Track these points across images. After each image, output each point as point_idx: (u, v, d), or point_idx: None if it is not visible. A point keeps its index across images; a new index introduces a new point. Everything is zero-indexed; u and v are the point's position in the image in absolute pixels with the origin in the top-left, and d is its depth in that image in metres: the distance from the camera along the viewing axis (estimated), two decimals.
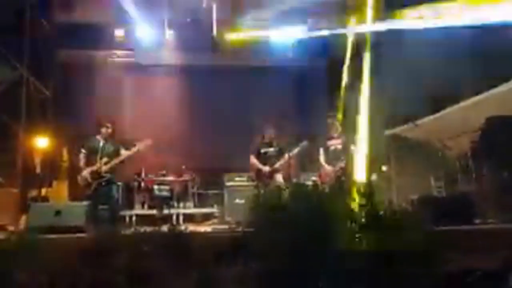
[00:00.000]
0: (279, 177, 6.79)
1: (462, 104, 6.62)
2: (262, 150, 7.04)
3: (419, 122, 6.90)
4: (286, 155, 6.82)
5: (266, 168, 6.86)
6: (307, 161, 7.58)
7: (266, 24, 9.14)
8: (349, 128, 7.55)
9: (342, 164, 6.62)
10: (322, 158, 6.91)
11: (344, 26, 8.91)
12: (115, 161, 6.19)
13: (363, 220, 2.71)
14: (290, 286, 2.63)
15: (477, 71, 6.67)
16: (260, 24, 9.15)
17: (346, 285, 2.52)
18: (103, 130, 6.33)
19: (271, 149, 7.01)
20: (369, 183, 6.87)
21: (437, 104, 7.08)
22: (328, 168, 6.75)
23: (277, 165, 6.81)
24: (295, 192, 3.05)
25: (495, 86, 5.94)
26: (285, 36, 9.48)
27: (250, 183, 7.80)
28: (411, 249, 2.62)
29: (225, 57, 9.83)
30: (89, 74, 9.31)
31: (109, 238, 3.20)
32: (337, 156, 6.69)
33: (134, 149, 6.30)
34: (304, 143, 6.85)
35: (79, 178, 6.17)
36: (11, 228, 5.18)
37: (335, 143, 6.82)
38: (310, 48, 9.84)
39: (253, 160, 7.06)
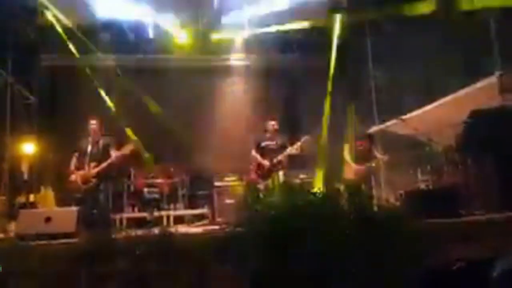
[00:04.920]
0: (281, 174, 6.67)
1: (447, 98, 6.72)
2: (263, 144, 6.90)
3: (405, 116, 6.98)
4: (288, 150, 6.77)
5: (266, 162, 6.77)
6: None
7: (259, 23, 9.17)
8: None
9: (371, 163, 6.90)
10: (348, 157, 7.03)
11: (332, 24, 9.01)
12: (103, 165, 6.18)
13: (352, 218, 2.75)
14: (280, 286, 2.66)
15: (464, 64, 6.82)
16: (252, 23, 9.20)
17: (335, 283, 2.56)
18: (90, 128, 6.34)
19: (272, 143, 6.87)
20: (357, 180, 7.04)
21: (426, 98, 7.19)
22: (356, 166, 6.88)
23: (277, 159, 6.71)
24: (284, 191, 3.09)
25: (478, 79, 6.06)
26: (279, 35, 9.55)
27: (240, 183, 7.83)
28: (400, 246, 2.67)
29: (215, 57, 9.85)
30: (74, 78, 9.23)
31: (101, 242, 3.20)
32: (363, 156, 6.95)
33: (119, 154, 6.30)
34: (306, 137, 6.83)
35: (69, 181, 6.18)
36: (0, 235, 5.12)
37: (363, 144, 7.04)
38: (306, 47, 9.88)
39: (254, 154, 6.90)
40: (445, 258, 3.17)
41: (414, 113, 7.18)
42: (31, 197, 7.59)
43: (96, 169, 6.15)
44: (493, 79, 5.84)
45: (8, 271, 3.11)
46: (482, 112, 5.05)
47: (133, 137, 8.38)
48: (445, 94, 6.75)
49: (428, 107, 7.08)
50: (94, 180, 6.14)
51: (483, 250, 3.32)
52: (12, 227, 5.38)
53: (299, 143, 6.77)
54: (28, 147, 8.36)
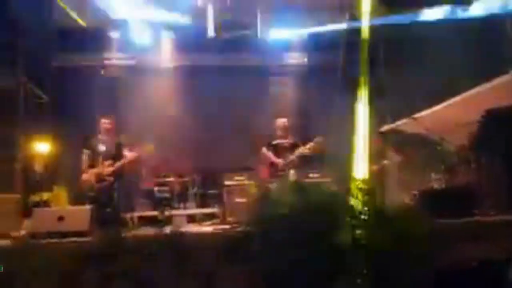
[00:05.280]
0: (292, 174, 6.55)
1: (459, 97, 6.65)
2: (274, 142, 6.78)
3: (416, 115, 6.92)
4: (300, 149, 6.65)
5: (279, 161, 6.64)
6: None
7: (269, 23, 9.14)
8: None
9: (384, 162, 6.92)
10: (360, 156, 6.99)
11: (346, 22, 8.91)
12: (118, 164, 6.21)
13: (364, 217, 2.73)
14: (291, 285, 2.65)
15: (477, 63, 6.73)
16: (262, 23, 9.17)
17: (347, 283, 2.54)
18: (102, 126, 6.37)
19: (284, 141, 6.76)
20: (369, 180, 6.99)
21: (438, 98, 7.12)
22: (369, 165, 6.84)
23: (290, 158, 6.61)
24: (295, 191, 3.08)
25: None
26: (290, 34, 9.51)
27: (250, 182, 7.78)
28: (413, 245, 2.64)
29: (226, 57, 9.84)
30: (87, 77, 9.30)
31: (113, 241, 3.21)
32: (376, 155, 6.77)
33: (134, 154, 6.33)
34: (319, 138, 6.72)
35: (81, 180, 6.20)
36: (14, 234, 5.17)
37: (375, 143, 6.87)
38: (315, 45, 9.81)
39: (265, 152, 6.78)
40: (458, 258, 3.14)
41: (426, 112, 7.11)
42: (44, 196, 7.66)
43: (111, 168, 6.18)
44: (505, 79, 5.77)
45: (19, 269, 3.14)
46: (496, 112, 5.00)
47: (145, 136, 8.41)
48: (457, 93, 6.67)
49: (440, 106, 7.01)
50: (108, 178, 6.17)
51: (495, 251, 3.28)
52: (25, 225, 5.43)
53: (312, 144, 6.68)
54: (41, 146, 8.43)
